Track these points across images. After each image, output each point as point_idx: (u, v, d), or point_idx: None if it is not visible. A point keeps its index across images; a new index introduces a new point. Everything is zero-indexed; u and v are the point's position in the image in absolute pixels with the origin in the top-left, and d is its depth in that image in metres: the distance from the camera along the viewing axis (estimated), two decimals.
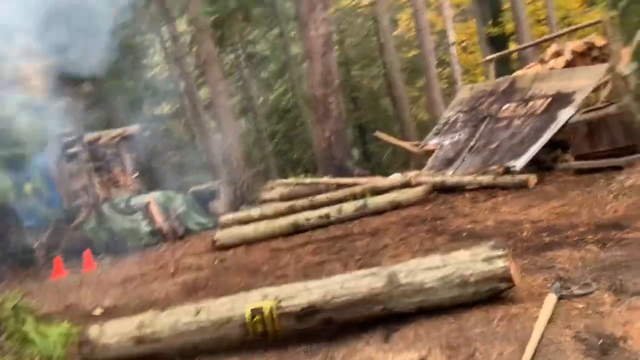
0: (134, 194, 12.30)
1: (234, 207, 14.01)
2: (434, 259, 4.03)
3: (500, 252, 3.87)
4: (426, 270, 3.91)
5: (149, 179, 18.92)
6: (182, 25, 24.05)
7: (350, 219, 8.47)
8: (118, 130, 13.17)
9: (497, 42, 21.88)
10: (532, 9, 22.62)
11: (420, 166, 11.95)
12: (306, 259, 6.62)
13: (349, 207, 8.54)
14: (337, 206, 8.71)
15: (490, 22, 22.37)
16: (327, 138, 12.29)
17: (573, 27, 10.40)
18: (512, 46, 21.79)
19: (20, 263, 10.64)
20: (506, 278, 3.80)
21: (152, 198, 11.60)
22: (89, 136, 11.70)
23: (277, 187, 11.85)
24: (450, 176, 8.71)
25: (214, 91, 15.95)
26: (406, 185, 8.79)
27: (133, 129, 13.63)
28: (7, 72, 9.00)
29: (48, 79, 18.45)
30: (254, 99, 27.52)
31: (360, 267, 5.68)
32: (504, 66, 18.35)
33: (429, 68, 15.48)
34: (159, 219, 11.19)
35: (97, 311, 6.26)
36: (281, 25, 21.83)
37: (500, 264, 3.81)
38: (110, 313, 6.12)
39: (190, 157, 23.13)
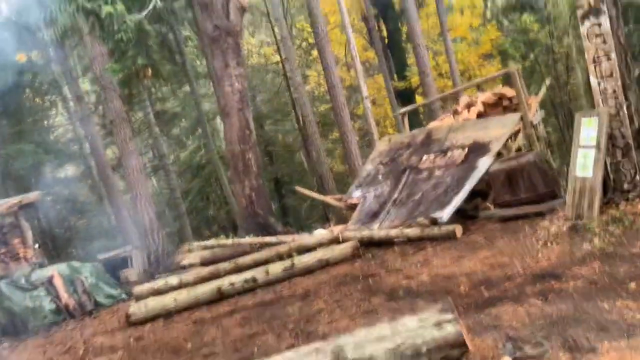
0: (36, 267, 11.14)
1: (149, 274, 13.09)
2: (382, 328, 3.73)
3: (450, 316, 3.64)
4: (374, 342, 3.60)
5: (53, 249, 17.49)
6: (85, 84, 23.13)
7: (279, 280, 8.04)
8: (16, 199, 12.03)
9: (404, 95, 22.85)
10: (433, 64, 23.91)
11: (341, 219, 11.84)
12: (235, 332, 6.10)
13: (276, 268, 8.12)
14: (263, 268, 8.26)
15: (395, 76, 23.36)
16: (247, 195, 11.88)
17: (481, 79, 10.88)
18: (419, 99, 22.82)
19: None
20: (459, 343, 3.56)
21: (56, 271, 10.54)
22: None
23: (197, 250, 11.19)
24: (377, 230, 8.56)
25: (123, 151, 15.16)
26: (333, 241, 8.53)
27: (33, 195, 12.52)
28: None
29: None
30: (165, 156, 26.73)
31: (295, 338, 5.28)
32: (414, 118, 19.04)
33: (344, 121, 15.66)
34: (64, 294, 10.15)
35: None
36: (191, 82, 21.51)
37: (451, 329, 3.58)
38: None
39: (98, 222, 21.81)
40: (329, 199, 10.77)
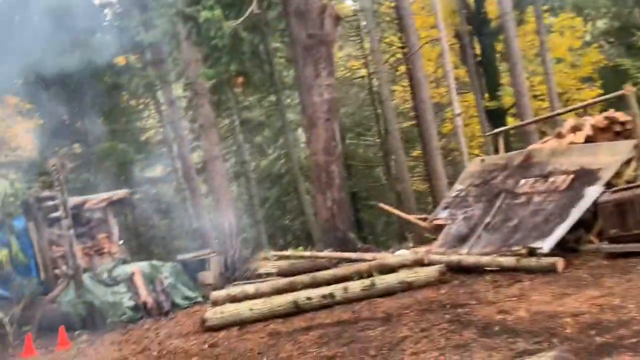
0: (119, 263, 11.40)
1: (224, 278, 13.11)
2: None
3: None
4: None
5: (136, 246, 18.03)
6: (178, 89, 23.91)
7: (357, 299, 7.68)
8: (106, 195, 12.42)
9: (495, 115, 21.86)
10: (528, 84, 22.79)
11: (420, 240, 11.28)
12: (311, 351, 5.77)
13: (355, 287, 7.76)
14: (342, 285, 7.92)
15: (487, 96, 22.44)
16: (329, 207, 11.61)
17: (590, 101, 10.07)
18: (510, 120, 21.79)
19: None
20: None
21: (138, 268, 10.73)
22: (74, 200, 10.94)
23: (273, 260, 11.04)
24: (465, 255, 8.00)
25: (209, 155, 15.44)
26: (417, 263, 8.06)
27: (122, 193, 12.90)
28: None
29: (36, 139, 17.95)
30: (247, 163, 27.14)
31: None
32: (504, 140, 18.10)
33: (430, 139, 15.12)
34: (144, 292, 10.28)
35: None
36: (279, 92, 21.72)
37: None
38: None
39: (180, 223, 22.35)
40: (412, 218, 10.30)
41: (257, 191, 27.45)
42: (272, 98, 24.81)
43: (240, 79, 16.03)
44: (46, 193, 10.79)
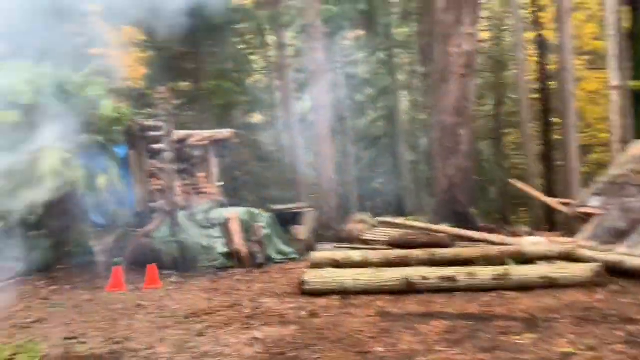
0: (216, 205, 10.79)
1: (317, 235, 12.31)
2: None
3: None
4: None
5: (230, 190, 17.61)
6: (290, 34, 23.00)
7: (484, 289, 6.46)
8: (209, 132, 11.78)
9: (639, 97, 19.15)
10: None
11: (555, 227, 9.74)
12: (441, 350, 4.65)
13: (485, 273, 6.52)
14: (466, 269, 6.71)
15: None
16: (450, 176, 10.22)
17: None
18: None
19: (76, 265, 9.33)
20: None
21: (235, 214, 10.04)
22: (178, 134, 10.34)
23: (378, 226, 9.95)
24: (628, 256, 6.48)
25: (316, 104, 14.44)
26: (564, 256, 6.65)
27: (226, 132, 12.21)
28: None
29: (147, 69, 17.74)
30: (345, 121, 26.08)
31: None
32: None
33: (569, 113, 13.17)
34: (238, 240, 9.59)
35: None
36: (390, 49, 20.25)
37: None
38: None
39: (276, 173, 21.81)
40: (554, 203, 8.76)
41: (352, 150, 26.45)
42: (381, 55, 23.43)
43: (353, 31, 14.78)
44: (151, 122, 10.25)
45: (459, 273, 6.69)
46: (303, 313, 6.37)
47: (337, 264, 7.69)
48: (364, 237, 9.42)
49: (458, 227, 8.97)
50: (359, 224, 13.11)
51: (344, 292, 7.02)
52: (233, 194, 17.66)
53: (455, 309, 5.95)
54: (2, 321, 6.65)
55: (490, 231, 8.99)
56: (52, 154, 8.40)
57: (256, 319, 6.26)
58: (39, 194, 8.32)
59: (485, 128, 27.27)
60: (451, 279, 6.64)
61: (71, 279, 8.79)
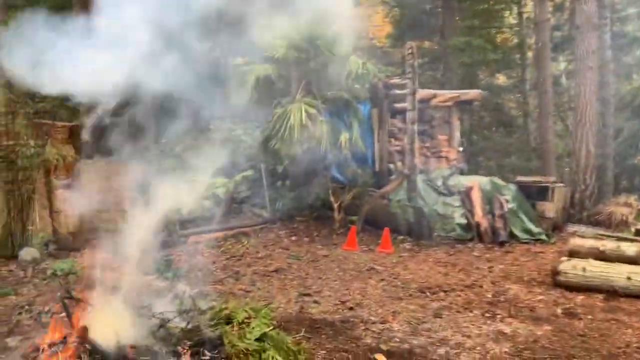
0: (456, 171, 10.04)
1: (567, 215, 10.75)
2: None
3: None
4: None
5: (467, 155, 16.58)
6: None
7: None
8: (455, 93, 10.93)
9: None
10: None
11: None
12: None
13: None
14: None
15: None
16: None
17: None
18: None
19: (315, 218, 9.52)
20: None
21: (477, 183, 9.17)
22: (422, 93, 9.73)
23: None
24: None
25: (581, 65, 12.44)
26: None
27: (473, 93, 11.24)
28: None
29: (393, 27, 17.44)
30: (608, 86, 22.55)
31: None
32: None
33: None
34: (480, 212, 8.73)
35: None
36: None
37: None
38: None
39: (519, 140, 19.98)
40: None
41: (612, 121, 22.89)
42: None
43: None
44: (396, 80, 9.81)
45: None
46: (558, 310, 5.36)
47: (602, 256, 6.38)
48: (638, 227, 7.74)
49: None
50: (623, 207, 11.20)
51: (610, 292, 5.78)
52: (469, 160, 16.60)
53: None
54: (246, 267, 7.02)
55: None
56: (298, 108, 8.54)
57: (500, 307, 5.46)
58: (286, 146, 8.59)
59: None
60: None
61: (310, 232, 9.01)
